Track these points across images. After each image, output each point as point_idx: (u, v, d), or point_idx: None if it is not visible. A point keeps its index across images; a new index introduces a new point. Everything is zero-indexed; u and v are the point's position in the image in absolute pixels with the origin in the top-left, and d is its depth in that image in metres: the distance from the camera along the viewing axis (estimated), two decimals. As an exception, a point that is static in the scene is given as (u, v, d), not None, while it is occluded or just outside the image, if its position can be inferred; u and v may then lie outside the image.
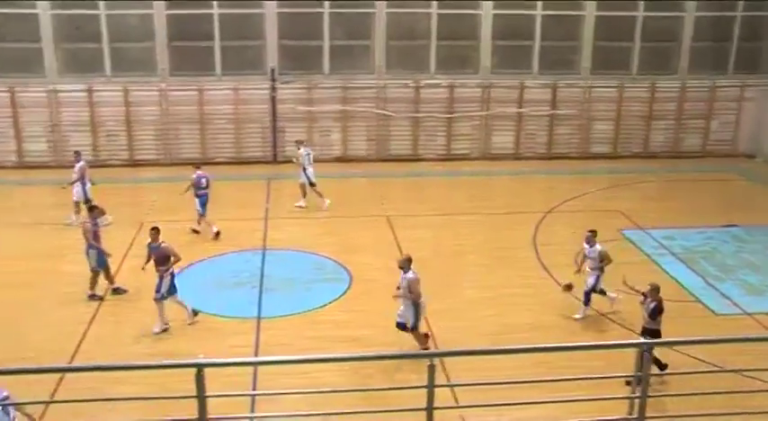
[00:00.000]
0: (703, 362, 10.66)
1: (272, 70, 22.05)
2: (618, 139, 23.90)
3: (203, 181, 17.14)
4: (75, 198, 17.85)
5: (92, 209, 14.99)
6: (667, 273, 15.28)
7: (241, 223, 17.80)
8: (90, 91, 21.83)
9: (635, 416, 5.77)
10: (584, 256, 13.30)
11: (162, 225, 16.39)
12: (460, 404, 8.79)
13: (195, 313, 13.32)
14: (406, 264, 11.73)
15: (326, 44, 22.25)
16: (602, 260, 13.04)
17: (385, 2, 21.96)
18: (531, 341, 11.72)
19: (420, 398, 5.65)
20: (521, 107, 23.20)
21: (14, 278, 14.95)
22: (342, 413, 9.69)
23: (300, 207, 19.00)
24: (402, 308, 11.71)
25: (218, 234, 17.02)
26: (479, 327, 12.93)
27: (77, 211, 17.69)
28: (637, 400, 5.76)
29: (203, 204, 17.15)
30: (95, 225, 14.48)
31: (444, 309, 13.40)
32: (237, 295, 14.12)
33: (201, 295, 14.09)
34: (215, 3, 21.53)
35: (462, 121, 23.21)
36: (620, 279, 12.21)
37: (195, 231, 17.29)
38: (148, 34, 21.80)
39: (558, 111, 23.34)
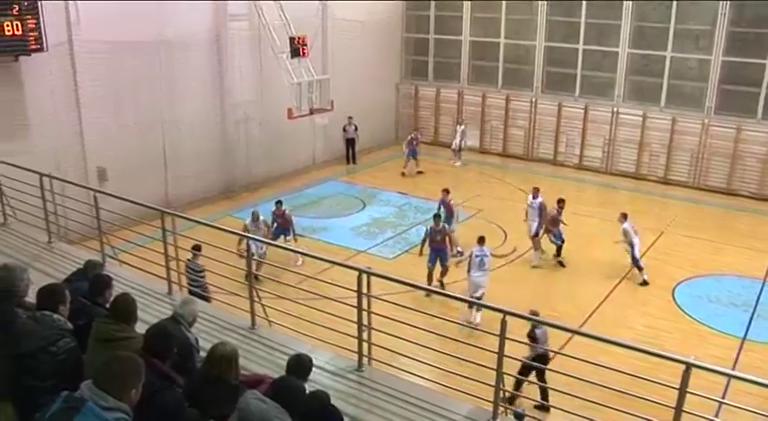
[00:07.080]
0: None
1: (812, 122, 20.83)
2: None
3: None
4: None
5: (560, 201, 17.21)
6: None
7: (750, 252, 17.68)
8: (644, 117, 23.66)
9: None
10: None
11: (679, 238, 18.67)
12: None
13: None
14: None
15: None
16: None
17: None
18: None
19: None
20: None
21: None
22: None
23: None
24: None
25: None
26: None
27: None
28: None
29: None
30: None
31: None
32: (729, 313, 14.48)
33: (697, 304, 14.95)
34: (769, 54, 21.22)
35: None
36: None
37: None
38: (703, 76, 22.65)
39: None
